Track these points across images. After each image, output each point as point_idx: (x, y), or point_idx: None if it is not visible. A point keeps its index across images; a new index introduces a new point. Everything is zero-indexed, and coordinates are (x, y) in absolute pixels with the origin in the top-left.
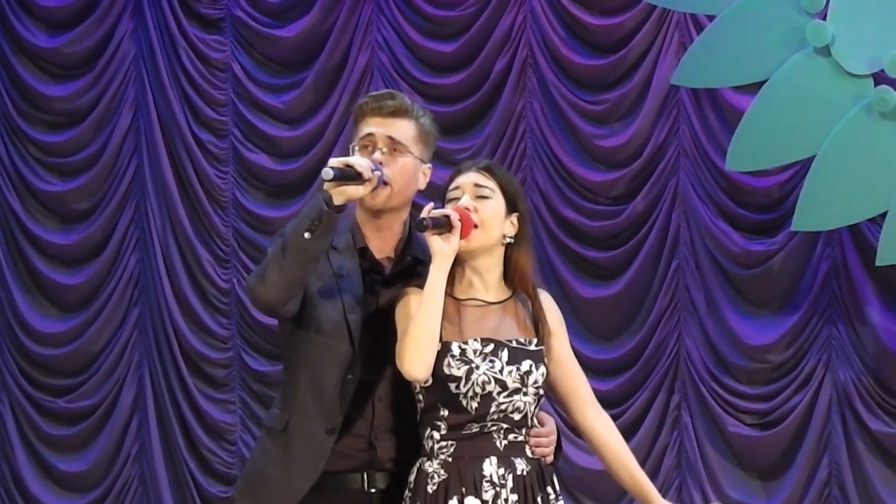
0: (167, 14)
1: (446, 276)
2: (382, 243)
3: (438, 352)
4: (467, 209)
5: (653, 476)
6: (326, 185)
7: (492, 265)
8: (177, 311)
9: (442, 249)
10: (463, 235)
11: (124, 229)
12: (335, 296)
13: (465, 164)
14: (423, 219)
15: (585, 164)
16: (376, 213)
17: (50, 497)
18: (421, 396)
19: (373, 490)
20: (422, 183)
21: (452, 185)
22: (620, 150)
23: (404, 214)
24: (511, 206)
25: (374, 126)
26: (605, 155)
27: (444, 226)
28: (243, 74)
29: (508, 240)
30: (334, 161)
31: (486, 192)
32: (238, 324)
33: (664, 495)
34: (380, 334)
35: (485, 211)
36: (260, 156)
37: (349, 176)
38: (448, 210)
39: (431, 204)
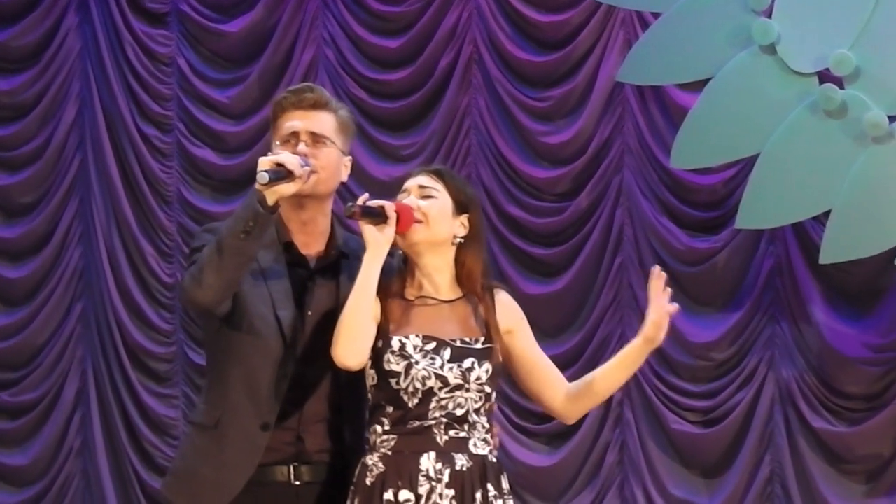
0: (113, 8)
1: (380, 266)
2: (307, 237)
3: (380, 348)
4: (411, 206)
5: (595, 473)
6: (259, 187)
7: (441, 265)
8: (120, 305)
9: (375, 239)
10: (402, 229)
11: (68, 223)
12: (263, 292)
13: (416, 169)
14: (352, 205)
15: (530, 160)
16: (301, 204)
17: None
18: (370, 395)
19: (298, 482)
20: (344, 175)
21: (402, 189)
22: (565, 146)
23: (327, 207)
24: (460, 208)
25: (295, 120)
26: (550, 152)
27: (378, 216)
28: (189, 69)
29: (459, 240)
30: (264, 162)
31: (431, 192)
32: (181, 318)
33: (605, 493)
34: (309, 329)
35: (430, 208)
36: (205, 150)
37: (281, 175)
38: (384, 201)
39: (366, 195)
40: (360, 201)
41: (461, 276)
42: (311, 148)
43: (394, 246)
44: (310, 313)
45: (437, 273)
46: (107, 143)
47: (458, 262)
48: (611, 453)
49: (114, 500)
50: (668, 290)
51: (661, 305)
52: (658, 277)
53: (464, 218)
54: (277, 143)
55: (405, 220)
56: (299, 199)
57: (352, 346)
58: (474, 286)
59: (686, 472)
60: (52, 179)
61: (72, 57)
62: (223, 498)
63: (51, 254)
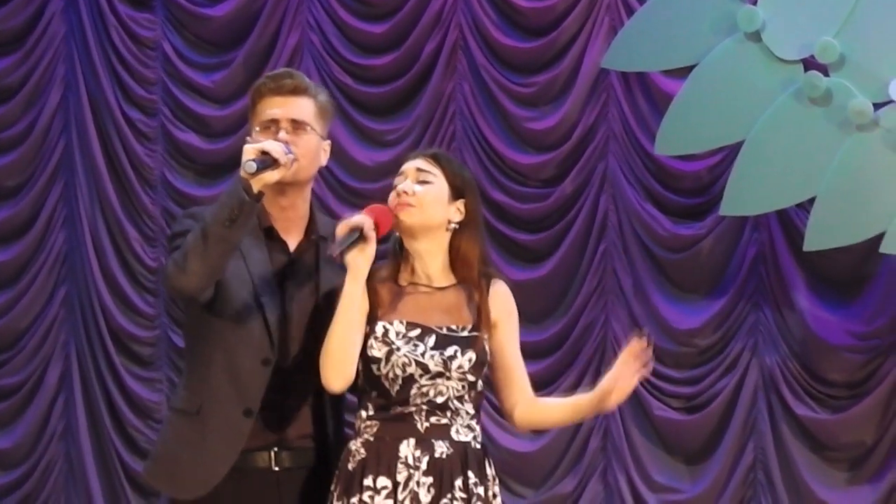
0: None
1: (360, 287)
2: (287, 222)
3: (366, 333)
4: (405, 192)
5: (578, 459)
6: (246, 176)
7: (434, 250)
8: (104, 289)
9: (356, 262)
10: (384, 231)
11: (52, 207)
12: (245, 278)
13: (414, 152)
14: (331, 254)
15: (515, 146)
16: (281, 190)
17: None
18: (359, 380)
19: (279, 468)
20: (323, 160)
21: (398, 172)
22: (550, 132)
23: (307, 192)
24: (456, 193)
25: (274, 107)
26: (535, 138)
27: (358, 240)
28: (173, 53)
29: (454, 226)
30: (249, 151)
31: (427, 176)
32: (165, 302)
33: (588, 479)
34: (290, 314)
35: (424, 194)
36: (189, 135)
37: (267, 164)
38: (358, 219)
39: (341, 224)
40: (337, 240)
41: (455, 262)
42: (292, 135)
43: (391, 230)
44: (291, 299)
45: (431, 258)
46: (91, 127)
47: (453, 247)
48: (594, 439)
49: (97, 484)
50: (639, 360)
51: (619, 374)
52: (635, 343)
53: (460, 203)
54: (257, 129)
55: (384, 224)
56: (280, 186)
57: (339, 371)
58: (469, 273)
59: (669, 458)
60: (36, 163)
61: (57, 40)
62: (205, 484)
63: (34, 237)
